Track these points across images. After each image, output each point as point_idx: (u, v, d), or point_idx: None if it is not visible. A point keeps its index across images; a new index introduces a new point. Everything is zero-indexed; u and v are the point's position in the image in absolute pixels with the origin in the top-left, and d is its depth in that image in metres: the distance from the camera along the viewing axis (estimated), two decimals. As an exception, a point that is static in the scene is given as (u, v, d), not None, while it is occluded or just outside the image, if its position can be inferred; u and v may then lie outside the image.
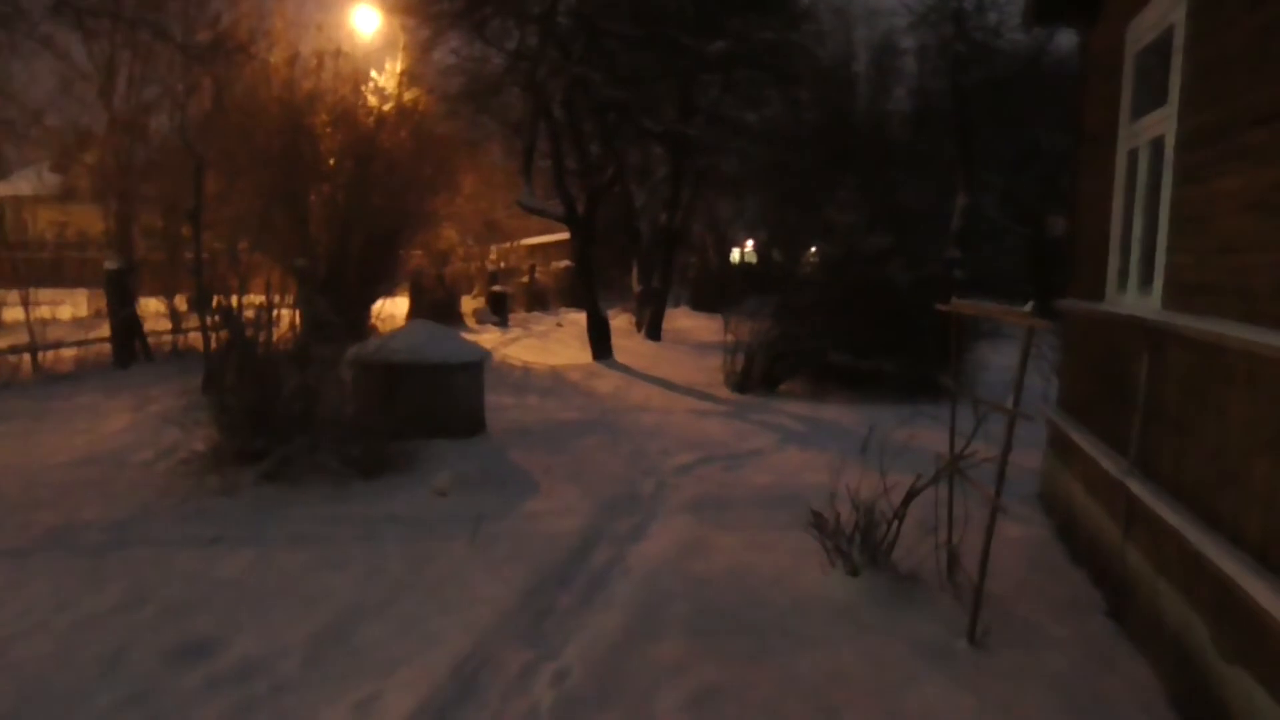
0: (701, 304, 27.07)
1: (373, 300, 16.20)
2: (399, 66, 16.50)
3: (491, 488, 7.10)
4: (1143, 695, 3.93)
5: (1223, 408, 3.71)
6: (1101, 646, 4.40)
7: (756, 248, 34.13)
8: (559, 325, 22.90)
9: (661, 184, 20.46)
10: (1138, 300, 5.08)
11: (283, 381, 7.38)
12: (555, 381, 13.36)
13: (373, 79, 16.12)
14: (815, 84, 22.40)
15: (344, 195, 14.99)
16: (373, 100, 15.91)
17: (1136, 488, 4.48)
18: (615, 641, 4.35)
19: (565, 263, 29.91)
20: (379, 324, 16.54)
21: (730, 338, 13.01)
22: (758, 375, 12.62)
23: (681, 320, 23.50)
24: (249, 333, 7.53)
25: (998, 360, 11.65)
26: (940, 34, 21.77)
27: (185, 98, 15.97)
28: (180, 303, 15.50)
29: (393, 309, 19.04)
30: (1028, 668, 4.12)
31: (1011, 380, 4.62)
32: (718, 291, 24.71)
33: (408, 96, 16.41)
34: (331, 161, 15.09)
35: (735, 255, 36.00)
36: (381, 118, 15.79)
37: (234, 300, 7.76)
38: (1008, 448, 4.37)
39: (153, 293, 15.60)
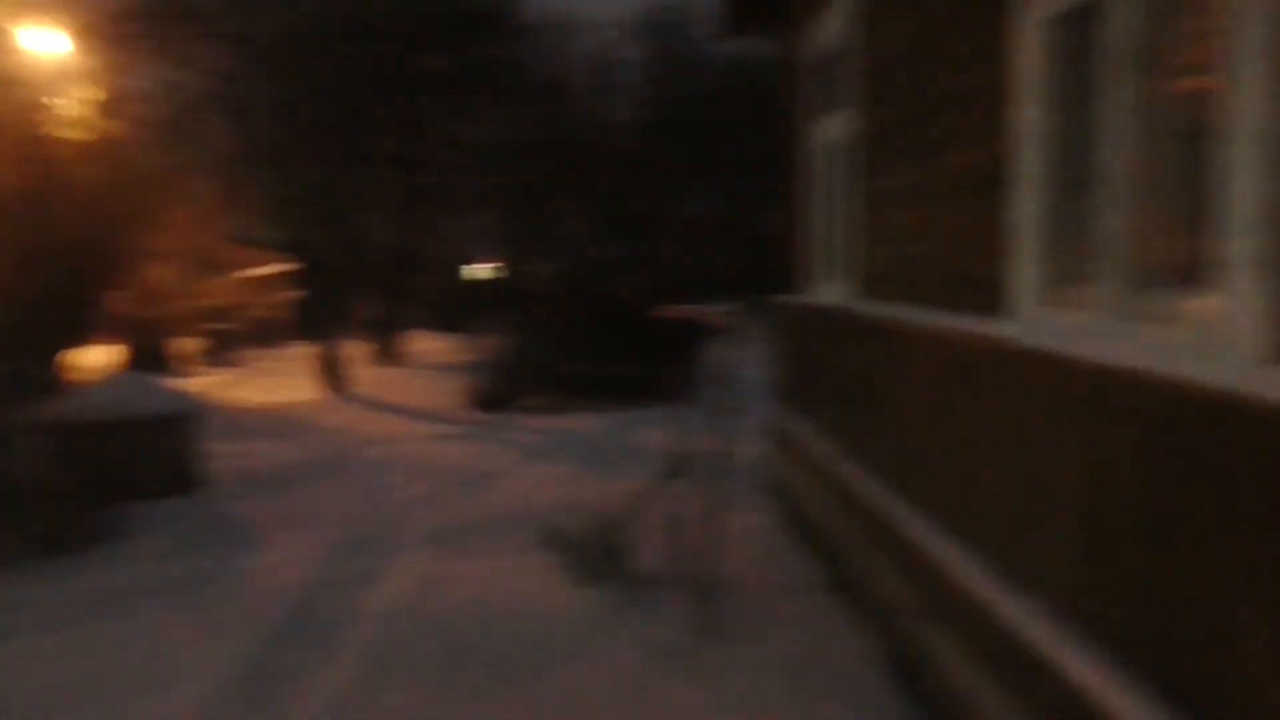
0: (443, 325, 26.55)
1: (58, 350, 14.56)
2: (86, 93, 14.99)
3: (211, 546, 6.52)
4: (862, 663, 4.14)
5: (908, 386, 3.98)
6: (825, 623, 4.61)
7: (496, 264, 33.97)
8: (288, 360, 21.69)
9: (390, 206, 19.88)
10: (835, 291, 5.40)
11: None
12: (284, 421, 12.59)
13: (55, 106, 14.54)
14: (539, 99, 22.58)
15: (24, 237, 13.40)
16: (56, 130, 14.34)
17: (844, 468, 4.75)
18: (348, 696, 4.07)
19: (292, 293, 28.42)
20: (80, 376, 14.93)
21: (471, 358, 12.81)
22: (500, 393, 12.50)
23: (422, 343, 22.89)
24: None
25: (725, 358, 12.15)
26: (654, 46, 22.57)
27: None
28: None
29: (94, 358, 17.28)
30: (760, 653, 4.24)
31: (749, 378, 4.77)
32: (458, 311, 24.33)
33: (97, 125, 14.94)
34: (5, 201, 13.44)
35: (475, 273, 35.64)
36: (65, 148, 14.26)
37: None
38: (731, 443, 4.50)
39: None
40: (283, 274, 29.41)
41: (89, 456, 7.29)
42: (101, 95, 14.93)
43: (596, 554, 5.10)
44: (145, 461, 7.81)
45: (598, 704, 3.87)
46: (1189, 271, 2.23)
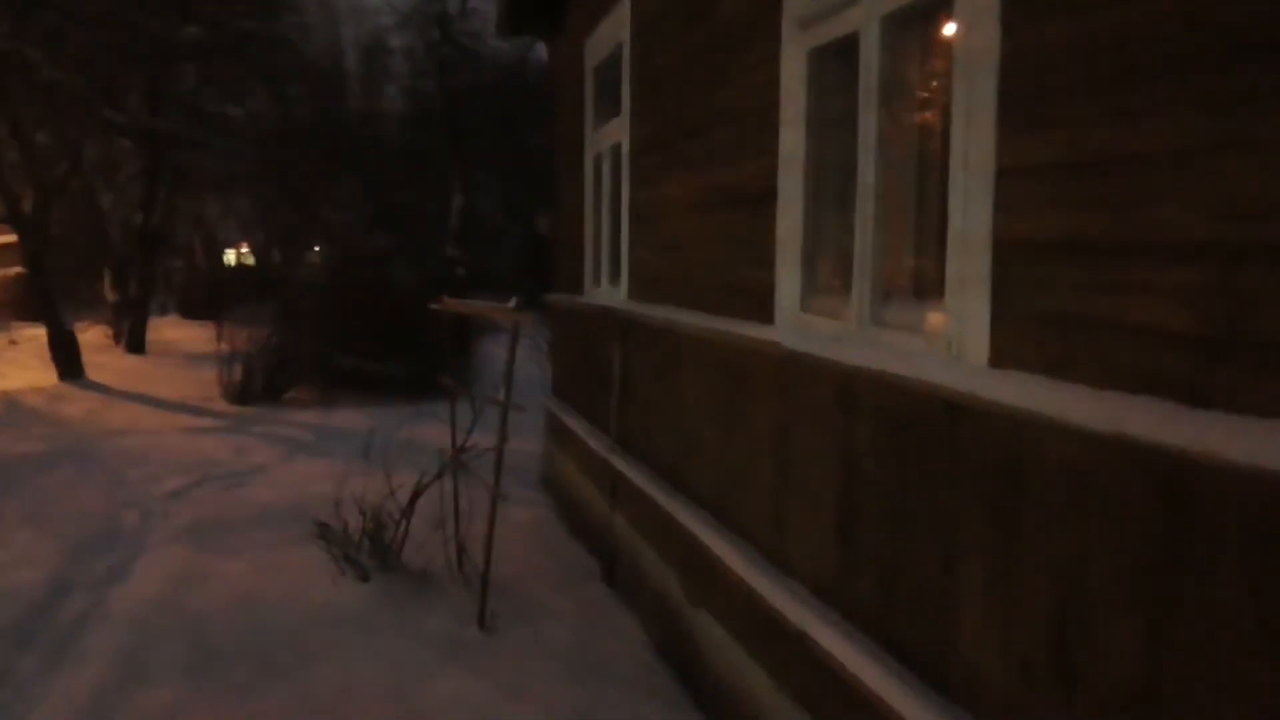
0: (192, 312, 24.80)
1: None
2: None
3: (-79, 545, 5.86)
4: (635, 648, 4.35)
5: (677, 384, 4.22)
6: (598, 611, 4.79)
7: (253, 249, 32.12)
8: (12, 343, 19.59)
9: (133, 182, 18.38)
10: (610, 292, 5.60)
11: None
12: (10, 409, 11.41)
13: None
14: (304, 80, 21.58)
15: None
16: None
17: (618, 462, 4.95)
18: (94, 699, 3.82)
19: (16, 270, 25.65)
20: None
21: (225, 346, 12.10)
22: (259, 385, 11.90)
23: (169, 331, 21.33)
24: None
25: (500, 353, 12.19)
26: (426, 37, 22.13)
27: None
28: None
29: None
30: (534, 643, 4.35)
31: (518, 373, 4.84)
32: (210, 297, 22.83)
33: None
34: None
35: (230, 258, 33.55)
36: None
37: None
38: (503, 438, 4.57)
39: None
40: (7, 247, 26.48)
41: None
42: None
43: (367, 549, 5.03)
44: None
45: (370, 695, 3.85)
46: (927, 286, 2.55)
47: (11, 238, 21.69)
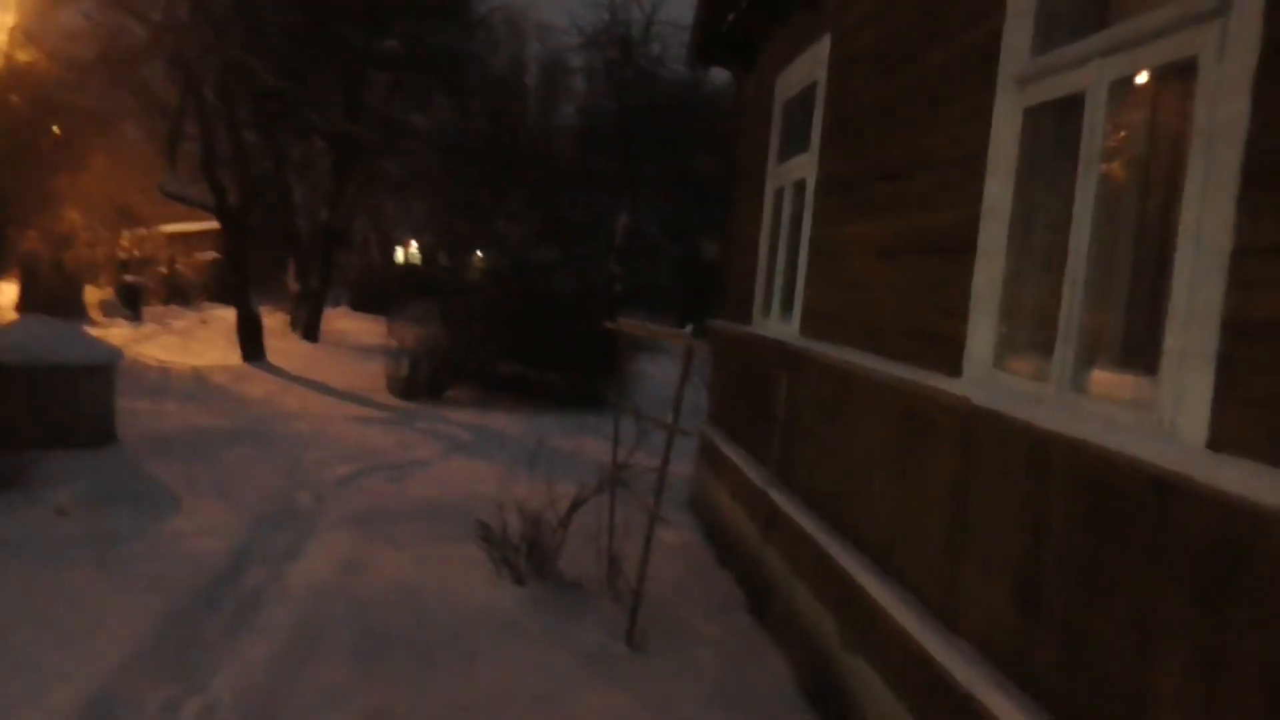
0: (363, 305, 26.16)
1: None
2: (11, 21, 14.44)
3: (125, 504, 6.39)
4: (781, 685, 4.34)
5: (848, 425, 4.20)
6: (745, 642, 4.80)
7: (422, 249, 33.61)
8: (203, 322, 21.14)
9: (324, 180, 19.56)
10: (780, 326, 5.62)
11: None
12: (199, 384, 12.31)
13: (-20, 34, 14.00)
14: (486, 93, 22.53)
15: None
16: (-22, 58, 13.81)
17: (776, 496, 4.95)
18: (271, 669, 4.09)
19: (211, 255, 27.66)
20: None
21: (394, 342, 12.70)
22: (423, 382, 12.44)
23: (341, 321, 22.56)
24: None
25: (656, 371, 12.37)
26: (607, 56, 22.73)
27: None
28: None
29: (3, 297, 16.62)
30: (681, 666, 4.40)
31: (669, 393, 4.93)
32: (380, 293, 24.02)
33: (22, 57, 14.42)
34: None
35: (400, 256, 35.21)
36: (-12, 77, 13.74)
37: None
38: (666, 460, 4.65)
39: None
40: (202, 233, 28.61)
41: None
42: (26, 26, 14.40)
43: (525, 553, 5.19)
44: (57, 410, 7.60)
45: (527, 699, 3.97)
46: (1133, 356, 2.48)
47: (208, 224, 23.40)
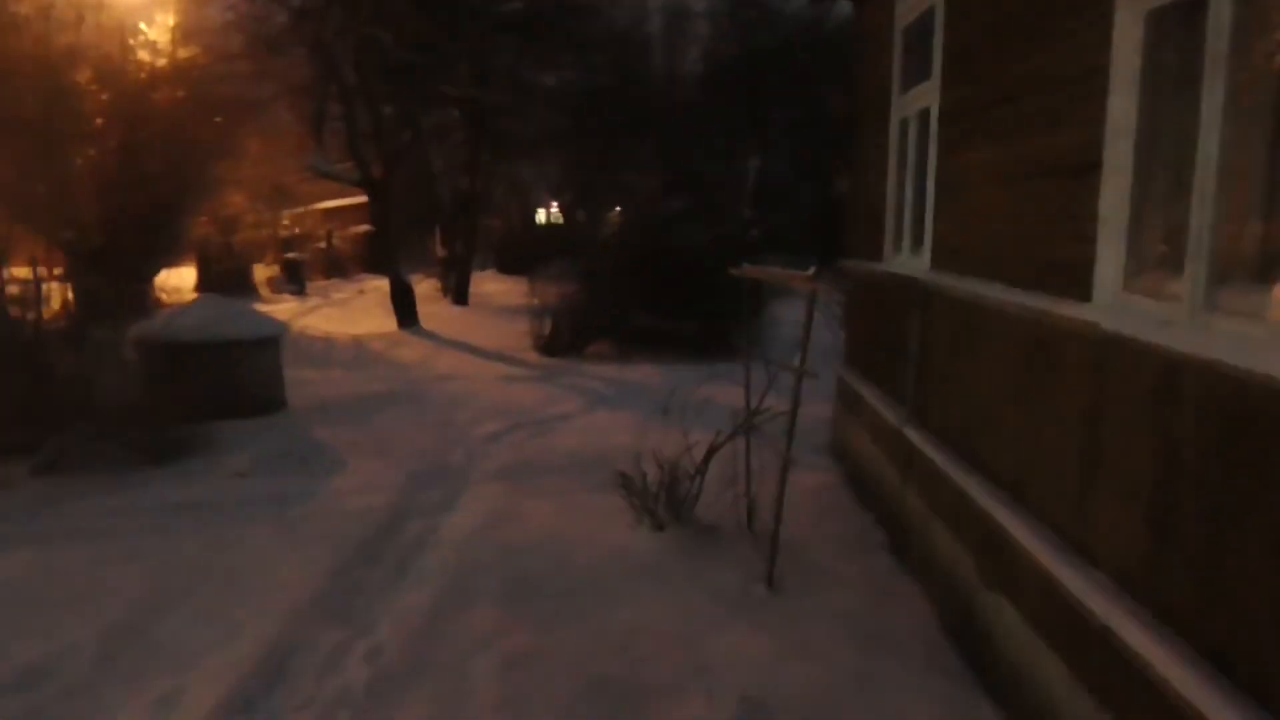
0: (508, 267, 26.85)
1: (155, 272, 15.17)
2: (170, 21, 15.36)
3: (294, 466, 6.89)
4: (921, 623, 4.32)
5: (979, 360, 4.10)
6: (884, 582, 4.79)
7: (562, 209, 34.13)
8: (360, 292, 22.22)
9: (460, 147, 20.09)
10: (911, 261, 5.49)
11: (55, 365, 6.87)
12: (359, 352, 13.01)
13: (142, 33, 14.94)
14: (610, 47, 22.50)
15: (114, 160, 13.87)
16: (143, 56, 14.74)
17: (912, 435, 4.89)
18: (428, 614, 4.37)
19: (364, 227, 28.92)
20: (164, 297, 15.52)
21: (536, 302, 13.05)
22: (565, 339, 12.75)
23: (488, 284, 23.27)
24: (13, 312, 6.93)
25: (791, 315, 12.23)
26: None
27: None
28: (-74, 281, 13.96)
29: (178, 281, 17.93)
30: (819, 606, 4.44)
31: (797, 336, 4.92)
32: (524, 254, 24.62)
33: (182, 54, 15.32)
34: (98, 123, 13.91)
35: (541, 217, 35.84)
36: (154, 76, 14.67)
37: (-8, 278, 7.13)
38: (796, 403, 4.65)
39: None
40: (353, 208, 29.93)
41: (178, 374, 7.70)
42: (184, 24, 15.28)
43: (664, 500, 5.31)
44: (231, 382, 8.21)
45: (666, 639, 4.11)
46: (1272, 269, 2.33)
47: (359, 199, 24.46)
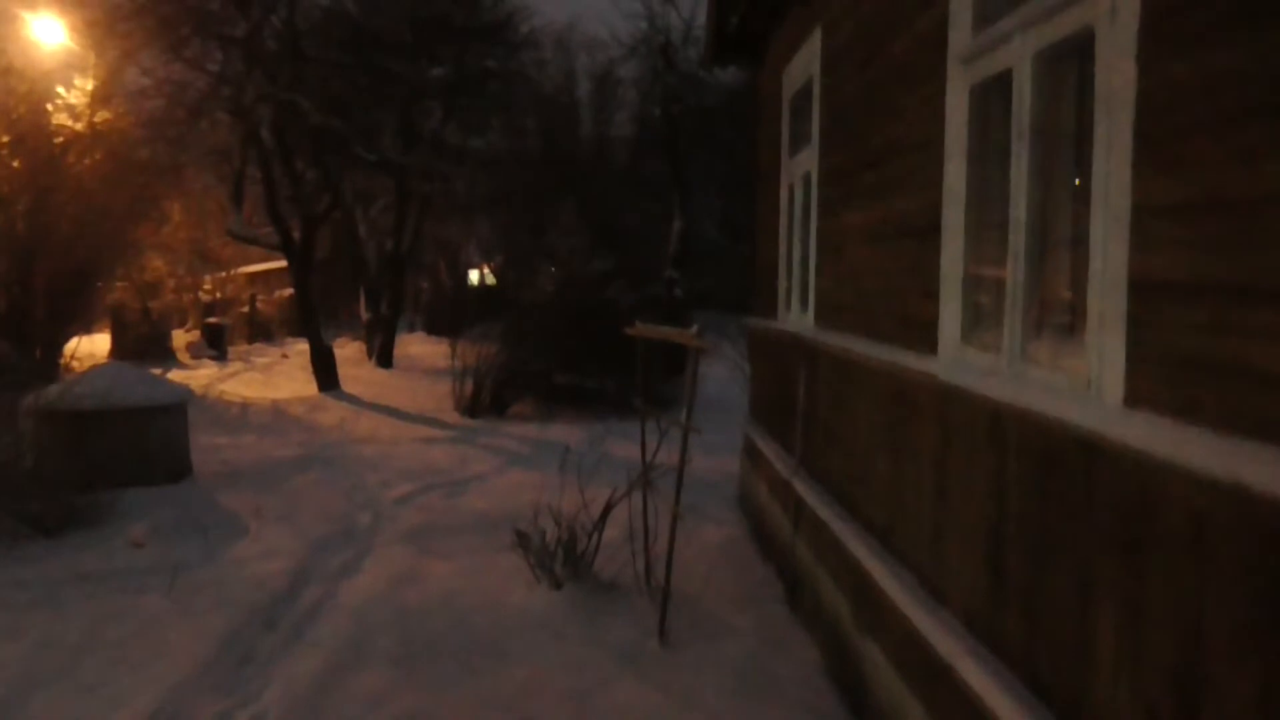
0: (436, 329, 26.77)
1: (65, 339, 14.83)
2: (88, 85, 15.28)
3: (195, 535, 6.75)
4: (807, 671, 4.40)
5: (854, 412, 4.26)
6: (777, 632, 4.87)
7: (493, 270, 34.23)
8: (284, 357, 21.95)
9: (386, 210, 20.15)
10: (799, 318, 5.68)
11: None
12: (276, 417, 12.83)
13: (59, 98, 14.81)
14: (538, 111, 22.90)
15: (24, 225, 13.63)
16: (59, 120, 14.59)
17: (800, 486, 5.02)
18: (317, 680, 4.32)
19: (290, 291, 28.67)
20: (76, 364, 15.17)
21: (459, 363, 13.05)
22: (486, 399, 12.74)
23: (415, 346, 23.15)
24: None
25: (719, 373, 12.47)
26: (652, 65, 22.88)
27: None
28: None
29: (91, 347, 17.53)
30: (710, 658, 4.49)
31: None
32: (452, 316, 24.59)
33: (99, 118, 15.21)
34: (6, 188, 13.68)
35: (474, 278, 35.86)
36: (69, 140, 14.52)
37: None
38: (684, 458, 4.75)
39: None
40: (280, 271, 29.67)
41: (77, 443, 7.54)
42: (101, 88, 15.20)
43: (561, 558, 5.35)
44: (133, 450, 8.04)
45: (557, 695, 4.12)
46: (1078, 322, 2.51)
47: (284, 263, 24.29)
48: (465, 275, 34.29)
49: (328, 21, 15.86)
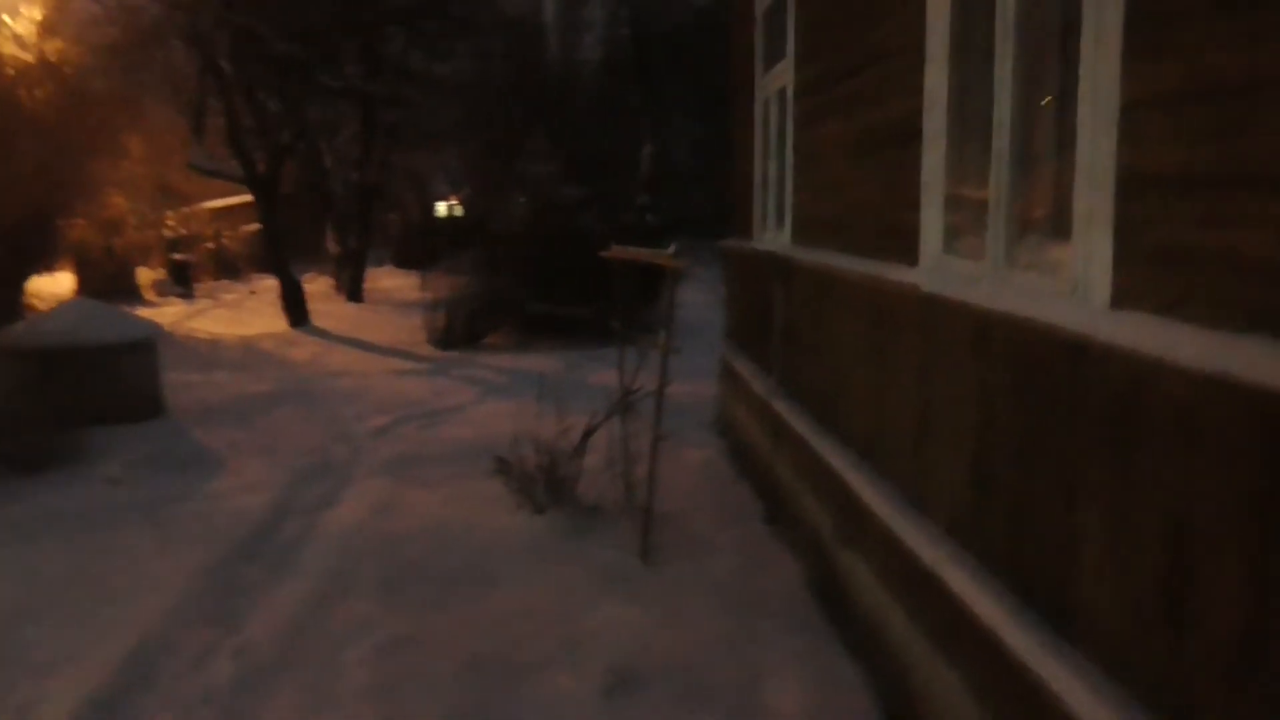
0: (406, 262, 26.39)
1: (25, 278, 14.50)
2: (35, 14, 14.72)
3: (172, 470, 6.71)
4: (790, 586, 4.45)
5: (832, 328, 4.24)
6: (758, 549, 4.92)
7: (462, 201, 33.73)
8: (252, 293, 21.65)
9: (352, 141, 19.71)
10: (775, 237, 5.63)
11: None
12: (247, 353, 12.69)
13: (5, 26, 14.27)
14: (504, 35, 22.33)
15: (-21, 163, 13.23)
16: (7, 50, 14.07)
17: (779, 405, 5.02)
18: (302, 608, 4.33)
19: (256, 226, 28.14)
20: (38, 303, 14.87)
21: (430, 295, 12.92)
22: (460, 331, 12.65)
23: (385, 280, 22.87)
24: None
25: (695, 298, 12.44)
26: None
27: None
28: None
29: (54, 286, 17.19)
30: (694, 575, 4.53)
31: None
32: (422, 248, 24.25)
33: (49, 49, 14.69)
34: (-40, 123, 13.24)
35: (442, 209, 35.36)
36: (19, 72, 14.02)
37: None
38: (663, 380, 4.74)
39: None
40: (245, 205, 29.09)
41: (46, 381, 7.42)
42: (50, 16, 14.66)
43: (545, 483, 5.35)
44: (104, 388, 7.93)
45: (542, 618, 4.15)
46: (1063, 224, 2.48)
47: (249, 197, 23.82)
48: (433, 207, 33.81)
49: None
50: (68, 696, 3.60)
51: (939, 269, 3.00)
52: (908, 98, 3.23)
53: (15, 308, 12.80)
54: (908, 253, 3.27)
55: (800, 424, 4.56)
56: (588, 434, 5.36)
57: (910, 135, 3.22)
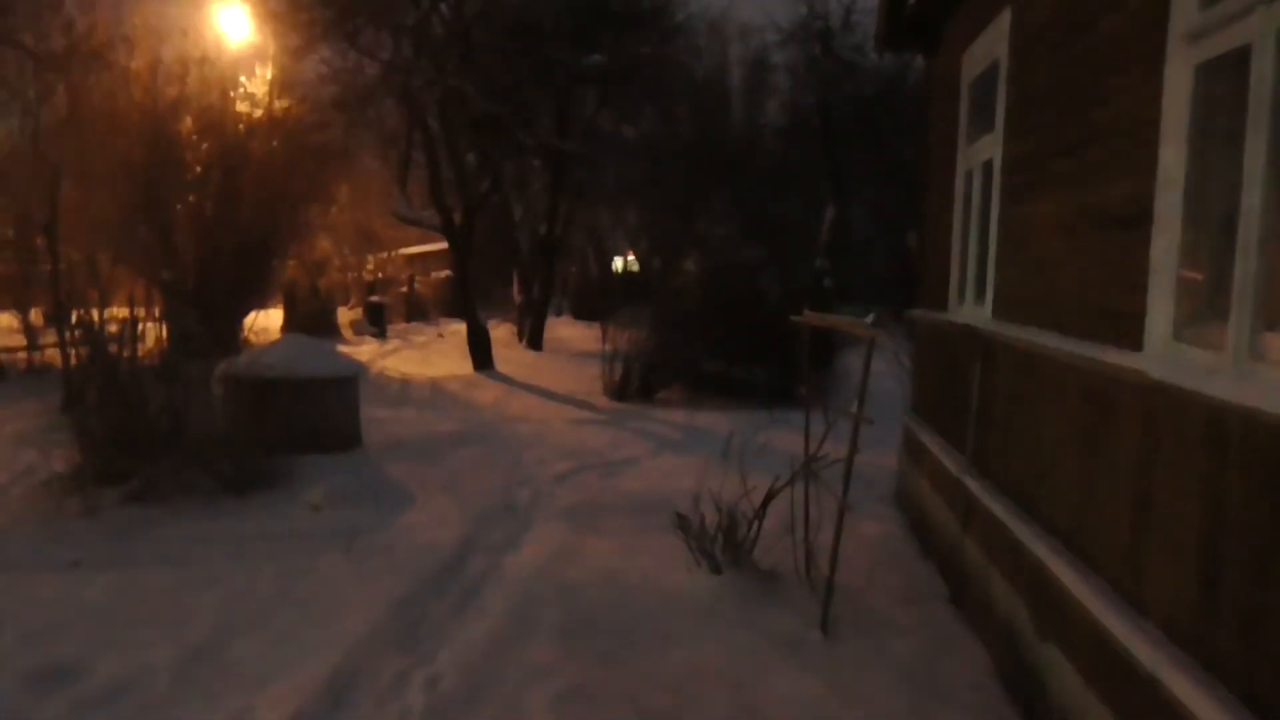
0: (583, 313, 27.25)
1: (244, 313, 15.79)
2: (269, 74, 16.18)
3: (366, 501, 7.10)
4: (976, 674, 4.27)
5: (1036, 408, 4.10)
6: (943, 631, 4.75)
7: (638, 257, 34.52)
8: (440, 336, 22.74)
9: (540, 195, 20.60)
10: (973, 311, 5.50)
11: (148, 399, 7.23)
12: (434, 393, 13.32)
13: (242, 86, 15.76)
14: (691, 98, 22.89)
15: (212, 205, 14.58)
16: (242, 108, 15.53)
17: (972, 484, 4.87)
18: (487, 647, 4.47)
19: (445, 272, 29.67)
20: (252, 337, 16.15)
21: (608, 347, 13.23)
22: (635, 384, 12.88)
23: (563, 330, 23.62)
24: (112, 349, 7.34)
25: (876, 366, 12.19)
26: (808, 51, 22.53)
27: (37, 105, 15.28)
28: (36, 317, 14.80)
29: (266, 322, 18.60)
30: (874, 653, 4.42)
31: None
32: (599, 301, 24.93)
33: (279, 105, 16.10)
34: (198, 170, 14.67)
35: (618, 264, 36.27)
36: (251, 126, 15.43)
37: (95, 315, 7.56)
38: (853, 448, 4.68)
39: (2, 307, 14.88)
40: (436, 253, 30.72)
41: (262, 410, 8.02)
42: (280, 76, 16.08)
43: (721, 543, 5.36)
44: (311, 419, 8.51)
45: (718, 679, 4.14)
46: (1317, 319, 2.34)
47: (441, 245, 25.16)
48: (611, 261, 34.72)
49: (491, 9, 16.26)
50: (274, 712, 3.85)
51: (1169, 356, 2.87)
52: (1137, 177, 3.13)
53: (235, 340, 13.93)
54: (1128, 337, 3.15)
55: (995, 505, 4.41)
56: (769, 497, 5.34)
57: (1138, 217, 3.11)
